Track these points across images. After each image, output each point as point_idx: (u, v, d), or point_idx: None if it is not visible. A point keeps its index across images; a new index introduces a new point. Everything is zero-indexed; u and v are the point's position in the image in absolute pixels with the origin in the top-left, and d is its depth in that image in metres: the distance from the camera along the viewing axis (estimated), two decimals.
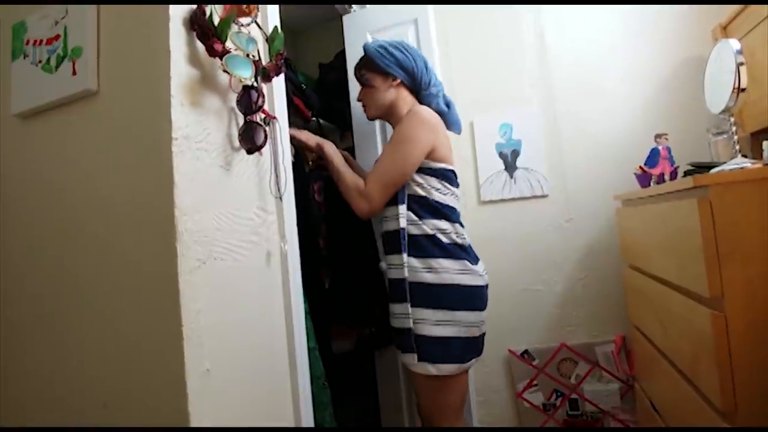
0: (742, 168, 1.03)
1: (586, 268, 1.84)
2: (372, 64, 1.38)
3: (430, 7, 1.74)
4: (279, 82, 1.07)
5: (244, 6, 0.90)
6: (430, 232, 1.28)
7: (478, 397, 1.90)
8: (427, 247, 1.27)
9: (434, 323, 1.24)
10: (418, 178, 1.30)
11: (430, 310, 1.25)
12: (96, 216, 0.82)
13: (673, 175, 1.45)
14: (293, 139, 1.33)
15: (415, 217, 1.29)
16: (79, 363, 0.83)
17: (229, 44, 0.84)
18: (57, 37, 0.86)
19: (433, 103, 1.39)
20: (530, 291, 1.89)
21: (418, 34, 1.72)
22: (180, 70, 0.79)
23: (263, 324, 0.94)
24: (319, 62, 2.05)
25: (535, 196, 1.89)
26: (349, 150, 1.65)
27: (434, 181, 1.31)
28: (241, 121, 0.89)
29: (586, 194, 1.84)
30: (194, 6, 0.82)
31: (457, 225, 1.32)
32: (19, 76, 0.90)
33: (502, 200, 1.93)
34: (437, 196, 1.30)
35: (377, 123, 1.71)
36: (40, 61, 0.88)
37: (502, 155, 1.93)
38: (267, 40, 0.99)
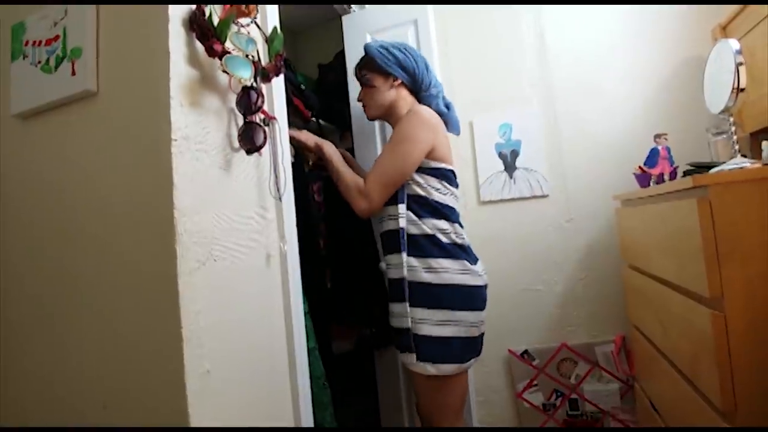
0: (741, 168, 1.03)
1: (586, 268, 1.84)
2: (373, 64, 1.38)
3: (430, 8, 1.74)
4: (278, 83, 1.07)
5: (244, 6, 0.90)
6: (430, 231, 1.28)
7: (478, 398, 1.90)
8: (427, 246, 1.27)
9: (433, 323, 1.24)
10: (418, 178, 1.30)
11: (430, 310, 1.25)
12: (95, 217, 0.82)
13: (673, 175, 1.45)
14: (293, 140, 1.33)
15: (414, 217, 1.29)
16: (78, 364, 0.82)
17: (228, 45, 0.84)
18: (56, 37, 0.86)
19: (433, 104, 1.39)
20: (530, 291, 1.89)
21: (417, 35, 1.72)
22: (179, 70, 0.79)
23: (263, 324, 0.94)
24: (318, 63, 2.05)
25: (535, 197, 1.89)
26: (348, 150, 1.65)
27: (434, 181, 1.31)
28: (241, 122, 0.89)
29: (586, 194, 1.84)
30: (193, 6, 0.82)
31: (457, 225, 1.32)
32: (19, 77, 0.90)
33: (502, 200, 1.93)
34: (437, 196, 1.30)
35: (376, 123, 1.71)
36: (39, 62, 0.87)
37: (501, 155, 1.93)
38: (266, 40, 0.99)
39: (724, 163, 1.15)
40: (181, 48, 0.80)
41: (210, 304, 0.79)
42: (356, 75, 1.44)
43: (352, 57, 1.74)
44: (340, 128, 1.98)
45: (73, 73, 0.83)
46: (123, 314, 0.78)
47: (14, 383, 0.89)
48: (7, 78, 0.92)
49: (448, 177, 1.34)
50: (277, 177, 1.01)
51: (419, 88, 1.41)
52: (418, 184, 1.30)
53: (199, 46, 0.83)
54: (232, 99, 0.88)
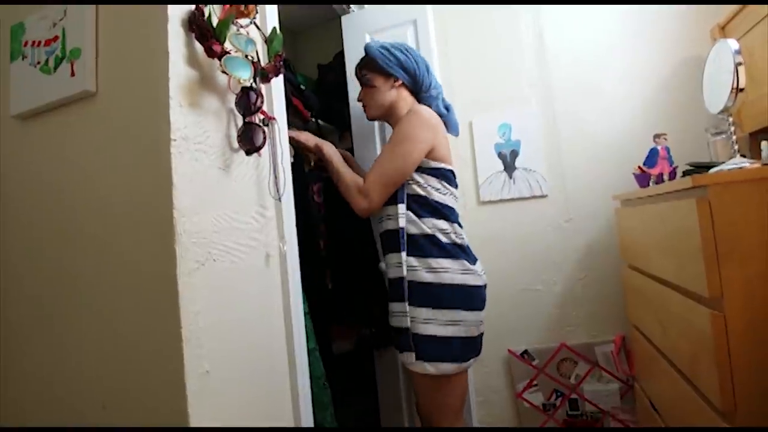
0: (740, 168, 1.03)
1: (585, 268, 1.84)
2: (374, 64, 1.38)
3: (429, 8, 1.74)
4: (278, 83, 1.07)
5: (243, 7, 0.90)
6: (429, 231, 1.28)
7: (478, 398, 1.90)
8: (426, 246, 1.27)
9: (433, 322, 1.24)
10: (418, 178, 1.30)
11: (429, 310, 1.25)
12: (95, 217, 0.82)
13: (672, 175, 1.45)
14: (293, 140, 1.33)
15: (414, 217, 1.29)
16: (78, 364, 0.82)
17: (227, 45, 0.84)
18: (55, 38, 0.86)
19: (432, 105, 1.40)
20: (530, 291, 1.89)
21: (417, 35, 1.72)
22: (179, 71, 0.79)
23: (262, 325, 0.94)
24: (318, 63, 2.05)
25: (535, 197, 1.89)
26: (348, 151, 1.65)
27: (434, 181, 1.31)
28: (240, 122, 0.89)
29: (586, 194, 1.84)
30: (193, 7, 0.82)
31: (456, 225, 1.33)
32: (18, 78, 0.90)
33: (502, 200, 1.93)
34: (436, 196, 1.31)
35: (376, 124, 1.71)
36: (38, 63, 0.87)
37: (501, 155, 1.93)
38: (266, 41, 0.99)
39: (723, 163, 1.15)
40: (180, 48, 0.80)
41: (209, 304, 0.79)
42: (357, 75, 1.44)
43: (352, 57, 1.74)
44: (339, 128, 1.98)
45: (73, 74, 0.83)
46: (122, 314, 0.78)
47: (14, 383, 0.89)
48: (6, 78, 0.92)
49: (447, 177, 1.34)
50: (276, 177, 1.01)
51: (419, 89, 1.41)
52: (418, 184, 1.30)
53: (199, 47, 0.83)
54: (232, 99, 0.88)
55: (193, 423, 0.72)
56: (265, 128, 0.92)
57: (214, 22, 0.83)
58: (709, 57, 1.37)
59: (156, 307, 0.75)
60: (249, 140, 0.88)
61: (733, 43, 1.20)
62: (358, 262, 1.59)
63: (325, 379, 1.25)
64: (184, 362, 0.72)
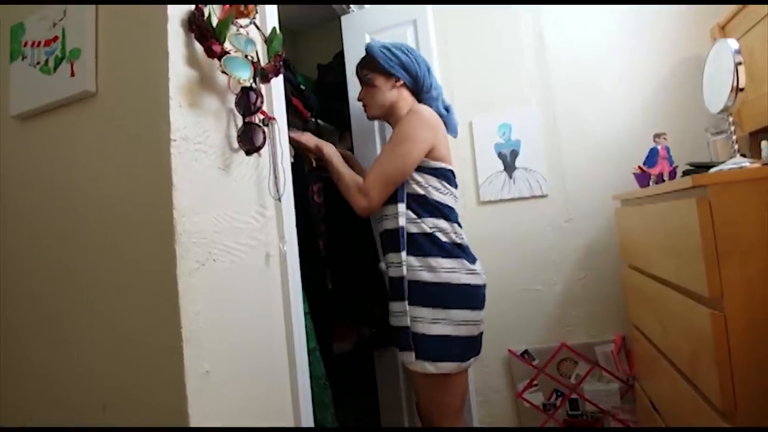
0: (740, 167, 1.03)
1: (585, 268, 1.84)
2: (375, 64, 1.38)
3: (429, 8, 1.74)
4: (278, 83, 1.07)
5: (243, 7, 0.90)
6: (429, 230, 1.28)
7: (478, 397, 1.90)
8: (426, 245, 1.28)
9: (432, 322, 1.24)
10: (418, 177, 1.30)
11: (429, 309, 1.25)
12: (95, 217, 0.82)
13: (672, 175, 1.45)
14: (293, 141, 1.34)
15: (414, 216, 1.29)
16: (78, 364, 0.82)
17: (227, 45, 0.84)
18: (55, 38, 0.86)
19: (433, 106, 1.40)
20: (530, 291, 1.89)
21: (416, 35, 1.72)
22: (178, 71, 0.79)
23: (262, 324, 0.94)
24: (317, 63, 2.05)
25: (534, 196, 1.89)
26: (348, 151, 1.65)
27: (434, 180, 1.31)
28: (240, 123, 0.89)
29: (585, 194, 1.84)
30: (192, 7, 0.82)
31: (456, 225, 1.33)
32: (18, 78, 0.90)
33: (502, 200, 1.93)
34: (436, 195, 1.31)
35: (376, 124, 1.71)
36: (38, 63, 0.87)
37: (501, 155, 1.93)
38: (265, 41, 0.99)
39: (723, 162, 1.15)
40: (180, 48, 0.80)
41: (210, 304, 0.79)
42: (357, 74, 1.44)
43: (352, 57, 1.74)
44: (339, 128, 1.98)
45: (72, 74, 0.83)
46: (123, 315, 0.78)
47: (14, 384, 0.89)
48: (6, 79, 0.92)
49: (447, 177, 1.34)
50: (276, 177, 1.01)
51: (420, 89, 1.41)
52: (418, 183, 1.30)
53: (198, 47, 0.83)
54: (232, 99, 0.88)
55: (193, 423, 0.72)
56: (265, 128, 0.92)
57: (214, 22, 0.83)
58: (709, 56, 1.37)
59: (156, 307, 0.75)
60: (249, 140, 0.88)
61: (733, 43, 1.20)
62: (357, 262, 1.59)
63: (325, 378, 1.25)
64: (185, 362, 0.72)
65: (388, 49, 1.38)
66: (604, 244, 1.81)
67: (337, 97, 1.83)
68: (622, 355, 1.75)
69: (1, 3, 0.96)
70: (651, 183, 1.50)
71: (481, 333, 1.32)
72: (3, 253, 0.92)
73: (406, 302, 1.26)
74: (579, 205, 1.85)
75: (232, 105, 0.89)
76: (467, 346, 1.27)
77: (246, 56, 0.87)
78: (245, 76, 0.86)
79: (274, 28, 1.04)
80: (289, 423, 0.98)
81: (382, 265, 1.42)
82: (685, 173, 1.38)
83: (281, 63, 0.98)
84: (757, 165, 1.05)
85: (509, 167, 1.92)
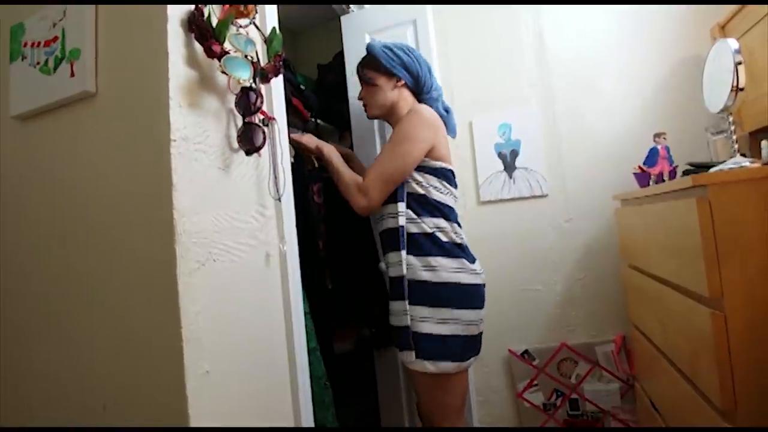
0: (740, 167, 1.03)
1: (585, 268, 1.84)
2: (377, 63, 1.39)
3: (429, 8, 1.74)
4: (277, 83, 1.07)
5: (242, 7, 0.90)
6: (429, 230, 1.28)
7: (478, 397, 1.90)
8: (426, 245, 1.28)
9: (433, 321, 1.24)
10: (418, 176, 1.31)
11: (429, 308, 1.25)
12: (95, 218, 0.82)
13: (672, 175, 1.45)
14: (294, 143, 1.34)
15: (413, 215, 1.29)
16: (78, 364, 0.82)
17: (227, 45, 0.84)
18: (55, 38, 0.86)
19: (433, 106, 1.40)
20: (530, 291, 1.89)
21: (416, 35, 1.72)
22: (178, 71, 0.79)
23: (263, 325, 0.94)
24: (317, 63, 2.05)
25: (534, 196, 1.89)
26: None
27: (434, 180, 1.31)
28: (240, 123, 0.89)
29: (585, 194, 1.84)
30: (192, 7, 0.82)
31: (455, 224, 1.33)
32: (18, 78, 0.90)
33: (502, 200, 1.93)
34: (436, 195, 1.31)
35: (376, 124, 1.71)
36: (38, 63, 0.87)
37: (501, 155, 1.93)
38: (265, 41, 0.99)
39: (723, 162, 1.15)
40: (179, 49, 0.80)
41: (210, 304, 0.79)
42: (358, 73, 1.44)
43: (351, 57, 1.74)
44: (339, 128, 1.98)
45: (72, 75, 0.83)
46: (123, 315, 0.78)
47: (14, 384, 0.89)
48: (6, 79, 0.92)
49: (447, 177, 1.34)
50: (276, 177, 1.01)
51: (421, 90, 1.42)
52: (418, 183, 1.30)
53: (198, 47, 0.83)
54: (231, 100, 0.88)
55: (194, 423, 0.72)
56: (265, 128, 0.92)
57: (214, 22, 0.83)
58: (709, 56, 1.37)
59: (156, 307, 0.75)
60: (249, 140, 0.88)
61: (733, 43, 1.20)
62: (357, 262, 1.59)
63: (326, 378, 1.25)
64: (185, 362, 0.72)
65: (390, 49, 1.38)
66: (604, 243, 1.81)
67: (336, 97, 1.83)
68: (623, 354, 1.75)
69: (1, 3, 0.96)
70: (651, 183, 1.50)
71: (481, 333, 1.32)
72: (3, 254, 0.92)
73: (407, 301, 1.26)
74: (579, 204, 1.85)
75: (232, 105, 0.89)
76: (467, 346, 1.27)
77: (246, 56, 0.87)
78: (245, 76, 0.86)
79: (274, 28, 1.04)
80: (289, 423, 0.98)
81: (382, 265, 1.42)
82: (685, 173, 1.38)
83: (281, 63, 0.98)
84: (757, 165, 1.05)
85: (509, 167, 1.92)
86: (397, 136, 1.31)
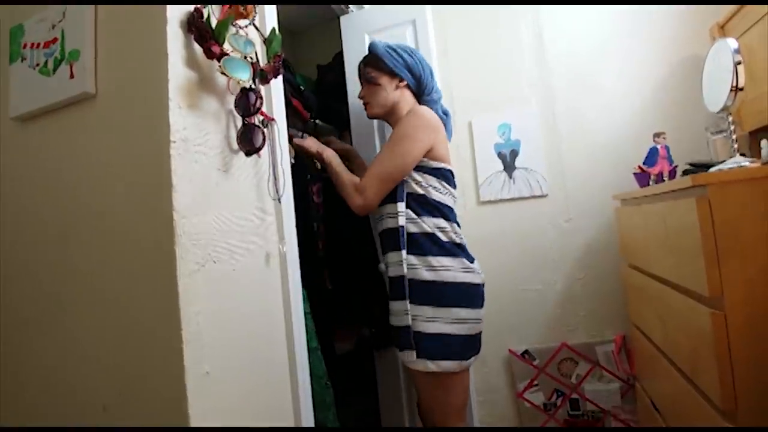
0: (740, 167, 1.03)
1: (585, 268, 1.84)
2: (379, 63, 1.39)
3: (429, 8, 1.73)
4: (277, 84, 1.07)
5: (242, 8, 0.90)
6: (429, 230, 1.29)
7: (479, 397, 1.90)
8: (426, 244, 1.28)
9: (433, 320, 1.24)
10: (417, 177, 1.31)
11: (429, 307, 1.25)
12: (94, 219, 0.82)
13: (672, 174, 1.45)
14: (296, 146, 1.35)
15: (413, 215, 1.30)
16: (78, 365, 0.82)
17: (226, 46, 0.84)
18: (54, 40, 0.86)
19: (432, 109, 1.40)
20: (530, 291, 1.89)
21: (416, 35, 1.71)
22: (178, 72, 0.79)
23: (263, 325, 0.94)
24: (317, 63, 2.05)
25: (534, 196, 1.89)
26: None
27: (433, 180, 1.32)
28: (240, 124, 0.89)
29: (585, 194, 1.84)
30: (191, 8, 0.82)
31: (455, 224, 1.33)
32: (17, 80, 0.90)
33: (501, 200, 1.93)
34: (436, 195, 1.31)
35: (375, 124, 1.72)
36: (37, 65, 0.87)
37: (500, 155, 1.93)
38: (265, 41, 0.99)
39: (723, 162, 1.15)
40: (179, 50, 0.80)
41: (210, 305, 0.79)
42: (360, 72, 1.44)
43: (351, 57, 1.74)
44: (338, 129, 1.98)
45: (72, 76, 0.83)
46: (123, 316, 0.78)
47: (15, 384, 0.89)
48: (5, 81, 0.92)
49: (446, 177, 1.34)
50: (275, 178, 1.01)
51: (422, 92, 1.42)
52: (418, 183, 1.31)
53: (198, 48, 0.83)
54: (231, 100, 0.88)
55: (194, 424, 0.72)
56: (265, 129, 0.92)
57: (213, 23, 0.83)
58: (709, 56, 1.37)
59: (156, 309, 0.75)
60: (248, 141, 0.88)
61: (732, 42, 1.20)
62: (357, 262, 1.59)
63: (327, 378, 1.25)
64: (185, 363, 0.72)
65: (394, 50, 1.39)
66: (604, 243, 1.81)
67: (336, 97, 1.83)
68: (623, 354, 1.75)
69: (1, 3, 0.96)
70: (651, 182, 1.50)
71: (481, 332, 1.32)
72: (2, 255, 0.92)
73: (407, 301, 1.26)
74: (579, 204, 1.85)
75: (232, 106, 0.89)
76: (467, 345, 1.27)
77: (245, 57, 0.87)
78: (244, 77, 0.86)
79: (274, 28, 1.04)
80: (290, 423, 0.98)
81: (382, 266, 1.42)
82: (685, 173, 1.38)
83: (280, 64, 0.98)
84: (756, 164, 1.05)
85: (509, 167, 1.92)
86: (396, 135, 1.31)
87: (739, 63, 1.16)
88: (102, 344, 0.80)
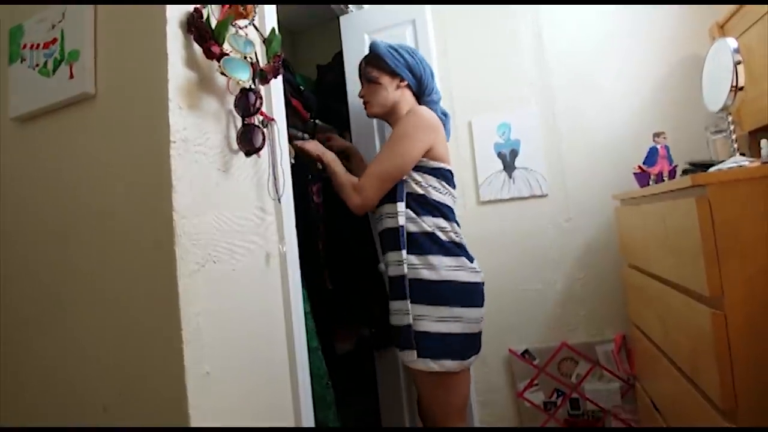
0: (740, 166, 1.03)
1: (585, 267, 1.84)
2: (381, 62, 1.39)
3: (428, 8, 1.73)
4: (277, 84, 1.07)
5: (242, 8, 0.90)
6: (429, 229, 1.29)
7: (479, 397, 1.90)
8: (426, 244, 1.28)
9: (434, 319, 1.24)
10: (417, 176, 1.31)
11: (430, 307, 1.25)
12: (94, 219, 0.82)
13: (672, 174, 1.45)
14: (297, 149, 1.36)
15: (413, 215, 1.30)
16: (79, 366, 0.82)
17: (226, 46, 0.84)
18: (54, 40, 0.86)
19: (432, 109, 1.40)
20: (530, 290, 1.89)
21: (416, 35, 1.71)
22: (177, 72, 0.79)
23: (263, 325, 0.94)
24: (316, 63, 2.05)
25: (534, 196, 1.89)
26: None
27: (433, 180, 1.32)
28: (240, 124, 0.89)
29: (585, 194, 1.84)
30: (191, 8, 0.82)
31: (454, 224, 1.34)
32: (17, 80, 0.90)
33: (501, 200, 1.93)
34: (435, 195, 1.31)
35: (375, 124, 1.72)
36: (37, 65, 0.87)
37: (500, 155, 1.93)
38: (264, 41, 0.99)
39: (723, 161, 1.15)
40: (179, 50, 0.80)
41: (210, 305, 0.79)
42: (361, 71, 1.45)
43: (351, 57, 1.74)
44: (338, 128, 1.98)
45: (71, 76, 0.83)
46: (123, 316, 0.78)
47: (14, 385, 0.89)
48: (5, 81, 0.92)
49: (446, 177, 1.35)
50: (275, 178, 1.01)
51: (422, 92, 1.43)
52: (418, 183, 1.31)
53: (197, 48, 0.83)
54: (231, 101, 0.88)
55: (194, 424, 0.72)
56: (265, 129, 0.92)
57: (213, 23, 0.83)
58: (708, 55, 1.37)
59: (156, 309, 0.75)
60: (248, 141, 0.88)
61: (732, 42, 1.20)
62: (357, 262, 1.59)
63: (328, 378, 1.25)
64: (185, 363, 0.72)
65: (395, 50, 1.39)
66: (604, 243, 1.81)
67: (336, 97, 1.83)
68: (623, 354, 1.75)
69: (1, 3, 0.96)
70: (651, 182, 1.50)
71: (481, 331, 1.32)
72: (2, 255, 0.92)
73: (408, 300, 1.26)
74: (579, 204, 1.85)
75: (232, 106, 0.89)
76: (468, 344, 1.27)
77: (245, 57, 0.87)
78: (244, 77, 0.86)
79: (273, 28, 1.04)
80: (290, 423, 0.98)
81: (382, 265, 1.42)
82: (685, 172, 1.39)
83: (280, 64, 0.98)
84: (756, 164, 1.05)
85: (509, 167, 1.92)
86: (396, 135, 1.32)
87: (738, 62, 1.16)
88: (102, 344, 0.80)
